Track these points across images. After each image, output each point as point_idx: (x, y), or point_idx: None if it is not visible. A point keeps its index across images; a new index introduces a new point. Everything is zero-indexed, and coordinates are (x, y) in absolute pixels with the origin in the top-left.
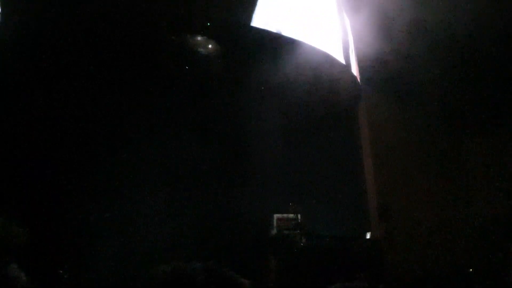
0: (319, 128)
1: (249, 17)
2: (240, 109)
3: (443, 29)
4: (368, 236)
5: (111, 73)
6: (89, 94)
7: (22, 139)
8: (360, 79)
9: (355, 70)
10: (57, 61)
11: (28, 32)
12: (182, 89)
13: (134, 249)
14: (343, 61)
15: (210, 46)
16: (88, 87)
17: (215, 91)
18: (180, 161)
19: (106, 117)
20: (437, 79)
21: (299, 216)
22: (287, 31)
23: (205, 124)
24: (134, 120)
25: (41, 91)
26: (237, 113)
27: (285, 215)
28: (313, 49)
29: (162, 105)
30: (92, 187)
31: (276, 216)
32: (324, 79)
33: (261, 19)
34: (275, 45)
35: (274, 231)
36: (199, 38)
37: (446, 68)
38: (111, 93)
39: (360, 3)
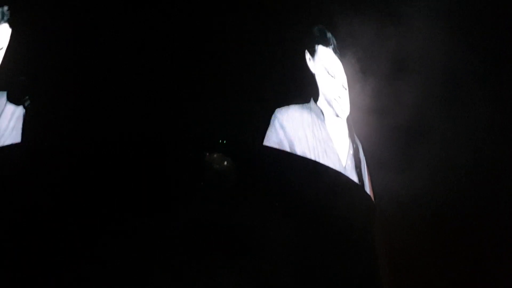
0: (333, 246)
1: (263, 136)
2: (253, 226)
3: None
4: None
5: (124, 189)
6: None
7: None
8: (375, 198)
9: (368, 189)
10: (72, 176)
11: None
12: (196, 204)
13: None
14: (356, 180)
15: (225, 163)
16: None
17: (229, 208)
18: (187, 262)
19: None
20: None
21: None
22: (300, 150)
23: (216, 239)
24: (146, 230)
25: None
26: (249, 229)
27: None
28: (326, 167)
29: (176, 219)
30: None
31: None
32: (338, 197)
33: (275, 139)
34: (288, 163)
35: None
36: (215, 155)
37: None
38: (124, 206)
39: (371, 128)
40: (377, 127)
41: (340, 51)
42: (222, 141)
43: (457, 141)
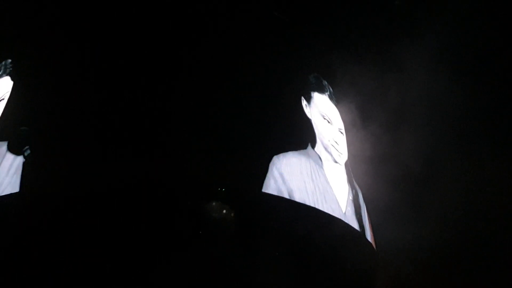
0: None
1: (262, 184)
2: (252, 273)
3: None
4: None
5: (123, 239)
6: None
7: None
8: (376, 245)
9: (369, 236)
10: (70, 225)
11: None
12: (195, 253)
13: None
14: (356, 226)
15: (224, 211)
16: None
17: (228, 256)
18: None
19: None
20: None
21: None
22: (299, 197)
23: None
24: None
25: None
26: (249, 277)
27: None
28: (325, 214)
29: (177, 267)
30: None
31: None
32: (338, 244)
33: (273, 186)
34: (287, 210)
35: None
36: (213, 203)
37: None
38: (122, 256)
39: (373, 176)
40: (379, 175)
41: (337, 98)
42: (221, 189)
43: (462, 190)
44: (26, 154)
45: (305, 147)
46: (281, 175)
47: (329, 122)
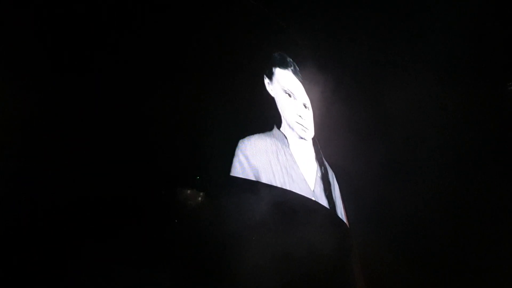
0: (309, 274)
1: (230, 168)
2: (229, 259)
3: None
4: None
5: (101, 230)
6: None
7: None
8: (349, 223)
9: (342, 212)
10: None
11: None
12: (171, 243)
13: None
14: (326, 204)
15: (199, 198)
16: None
17: (204, 243)
18: None
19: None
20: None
21: None
22: (266, 178)
23: (193, 275)
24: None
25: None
26: (227, 263)
27: None
28: (293, 193)
29: (153, 257)
30: None
31: None
32: (308, 223)
33: (239, 169)
34: (254, 192)
35: None
36: (188, 191)
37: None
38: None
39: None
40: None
41: (305, 74)
42: (196, 177)
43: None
44: None
45: (270, 129)
46: (247, 158)
47: (291, 96)
